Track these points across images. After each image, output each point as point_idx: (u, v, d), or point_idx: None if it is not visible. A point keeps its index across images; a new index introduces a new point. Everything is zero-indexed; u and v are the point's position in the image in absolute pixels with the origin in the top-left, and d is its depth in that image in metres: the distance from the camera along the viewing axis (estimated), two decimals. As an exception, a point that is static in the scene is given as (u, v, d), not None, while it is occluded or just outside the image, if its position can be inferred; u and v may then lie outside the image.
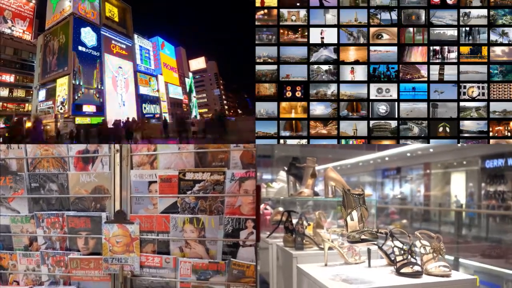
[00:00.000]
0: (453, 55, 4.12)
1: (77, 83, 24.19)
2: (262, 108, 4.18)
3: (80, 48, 25.07)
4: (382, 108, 4.13)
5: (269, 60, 4.18)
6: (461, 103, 4.11)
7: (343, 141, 4.15)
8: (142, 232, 2.78)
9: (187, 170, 2.73)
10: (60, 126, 20.69)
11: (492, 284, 5.77)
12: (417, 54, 4.13)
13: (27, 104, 28.28)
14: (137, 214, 2.80)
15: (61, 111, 23.40)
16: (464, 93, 4.11)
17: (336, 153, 6.56)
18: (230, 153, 2.73)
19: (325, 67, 4.16)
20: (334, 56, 4.16)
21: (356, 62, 4.15)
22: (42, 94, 25.99)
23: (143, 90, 32.11)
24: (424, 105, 4.13)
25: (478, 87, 4.10)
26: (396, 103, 4.13)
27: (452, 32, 4.12)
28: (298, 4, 4.13)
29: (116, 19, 29.72)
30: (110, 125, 14.31)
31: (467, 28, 4.12)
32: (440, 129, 4.12)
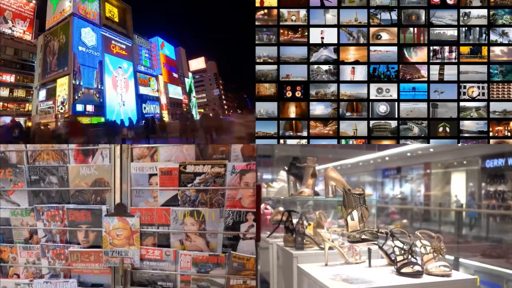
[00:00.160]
0: (453, 55, 4.12)
1: (77, 83, 24.20)
2: (262, 108, 4.18)
3: (80, 48, 25.09)
4: (382, 108, 4.13)
5: (269, 60, 4.18)
6: (461, 103, 4.12)
7: (343, 141, 4.15)
8: (142, 225, 2.76)
9: (187, 163, 2.72)
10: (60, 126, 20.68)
11: (492, 284, 5.77)
12: (420, 54, 4.13)
13: (27, 104, 28.33)
14: (137, 207, 2.78)
15: (61, 111, 23.43)
16: (464, 93, 4.11)
17: (336, 153, 6.57)
18: (231, 146, 2.72)
19: (325, 67, 4.16)
20: (334, 56, 4.16)
21: (356, 62, 4.15)
22: (43, 94, 26.02)
23: (143, 90, 32.14)
24: (424, 105, 4.13)
25: (478, 87, 4.10)
26: (396, 103, 4.13)
27: (452, 32, 4.13)
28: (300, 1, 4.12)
29: (116, 19, 29.74)
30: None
31: (467, 28, 4.12)
32: (440, 129, 4.12)
